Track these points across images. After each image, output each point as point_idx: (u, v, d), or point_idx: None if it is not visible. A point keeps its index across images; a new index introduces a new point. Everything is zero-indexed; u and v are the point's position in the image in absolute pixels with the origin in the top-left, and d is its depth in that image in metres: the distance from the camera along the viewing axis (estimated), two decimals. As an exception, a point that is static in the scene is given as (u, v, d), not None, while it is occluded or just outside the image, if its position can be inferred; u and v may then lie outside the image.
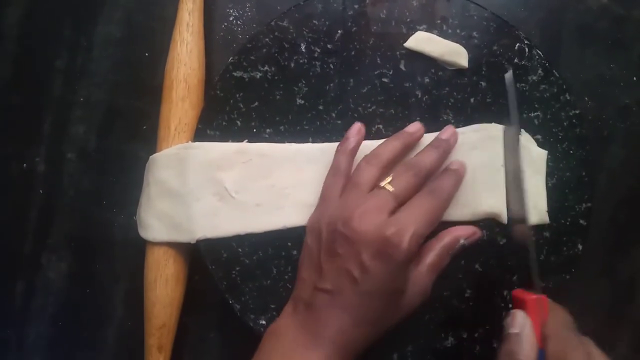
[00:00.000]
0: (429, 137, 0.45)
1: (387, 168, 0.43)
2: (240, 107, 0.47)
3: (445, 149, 0.44)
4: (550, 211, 0.45)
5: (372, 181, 0.41)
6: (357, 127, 0.44)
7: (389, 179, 0.41)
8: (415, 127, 0.45)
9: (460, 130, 0.45)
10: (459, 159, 0.45)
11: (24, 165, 0.51)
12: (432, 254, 0.41)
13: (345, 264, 0.38)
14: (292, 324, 0.40)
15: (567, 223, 0.45)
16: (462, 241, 0.42)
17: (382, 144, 0.44)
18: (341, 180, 0.43)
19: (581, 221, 0.45)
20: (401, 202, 0.40)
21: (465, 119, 0.46)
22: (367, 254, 0.38)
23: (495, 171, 0.45)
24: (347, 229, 0.39)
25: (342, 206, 0.41)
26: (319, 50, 0.47)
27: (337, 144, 0.45)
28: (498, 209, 0.45)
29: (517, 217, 0.43)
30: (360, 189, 0.41)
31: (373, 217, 0.39)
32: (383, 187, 0.41)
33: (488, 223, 0.45)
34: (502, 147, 0.45)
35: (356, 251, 0.38)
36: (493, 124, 0.45)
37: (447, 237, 0.42)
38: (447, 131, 0.45)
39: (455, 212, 0.44)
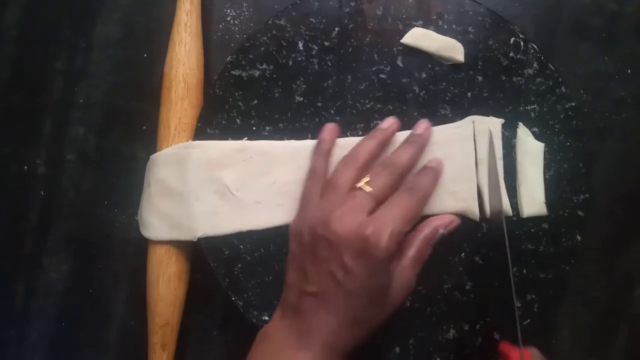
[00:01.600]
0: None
1: (364, 168, 0.43)
2: (240, 105, 0.47)
3: (421, 144, 0.44)
4: (548, 203, 0.46)
5: (350, 182, 0.42)
6: (329, 128, 0.45)
7: (366, 179, 0.41)
8: (388, 122, 0.45)
9: (455, 124, 0.46)
10: (455, 151, 0.45)
11: (25, 166, 0.51)
12: (414, 247, 0.42)
13: (329, 266, 0.39)
14: (280, 328, 0.41)
15: (565, 214, 0.46)
16: (441, 231, 0.43)
17: (358, 144, 0.44)
18: (319, 182, 0.43)
19: (579, 212, 0.46)
20: (379, 201, 0.41)
21: (463, 113, 0.46)
22: (348, 254, 0.38)
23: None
24: (327, 231, 0.39)
25: (321, 209, 0.41)
26: (316, 48, 0.47)
27: (337, 140, 0.45)
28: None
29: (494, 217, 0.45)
30: (338, 191, 0.41)
31: (352, 218, 0.39)
32: (360, 188, 0.41)
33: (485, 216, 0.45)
34: (499, 140, 0.46)
35: (338, 253, 0.38)
36: (490, 117, 0.46)
37: (427, 229, 0.43)
38: (421, 126, 0.45)
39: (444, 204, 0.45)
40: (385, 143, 0.45)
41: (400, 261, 0.41)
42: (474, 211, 0.45)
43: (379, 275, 0.39)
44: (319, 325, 0.39)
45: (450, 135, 0.46)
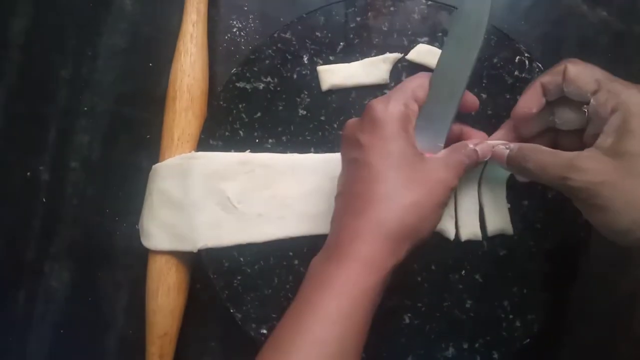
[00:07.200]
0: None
1: None
2: (243, 117, 0.47)
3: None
4: (551, 223, 0.45)
5: None
6: None
7: None
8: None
9: None
10: None
11: (28, 173, 0.52)
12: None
13: None
14: None
15: (567, 235, 0.45)
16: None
17: None
18: None
19: (581, 233, 0.45)
20: None
21: (466, 130, 0.46)
22: None
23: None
24: None
25: None
26: (321, 62, 0.47)
27: (339, 154, 0.45)
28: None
29: None
30: None
31: None
32: None
33: (488, 234, 0.45)
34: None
35: None
36: None
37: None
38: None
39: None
40: None
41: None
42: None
43: None
44: None
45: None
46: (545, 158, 0.37)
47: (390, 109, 0.37)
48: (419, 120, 0.39)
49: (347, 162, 0.39)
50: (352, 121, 0.39)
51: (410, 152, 0.37)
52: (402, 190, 0.36)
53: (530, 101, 0.39)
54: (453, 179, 0.38)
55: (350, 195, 0.38)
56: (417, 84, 0.39)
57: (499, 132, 0.42)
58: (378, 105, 0.38)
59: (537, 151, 0.38)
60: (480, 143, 0.40)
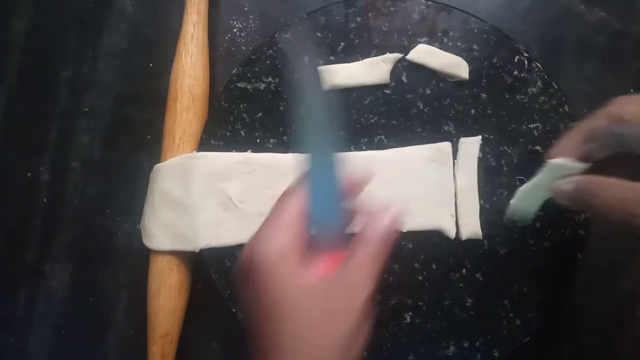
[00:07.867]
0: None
1: None
2: (244, 117, 0.47)
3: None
4: (550, 222, 0.46)
5: None
6: None
7: None
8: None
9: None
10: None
11: (29, 174, 0.52)
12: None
13: None
14: None
15: (567, 233, 0.46)
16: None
17: None
18: None
19: (580, 231, 0.46)
20: None
21: (466, 130, 0.46)
22: None
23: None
24: None
25: None
26: (322, 62, 0.48)
27: (340, 154, 0.45)
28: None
29: None
30: None
31: None
32: None
33: (488, 234, 0.45)
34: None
35: None
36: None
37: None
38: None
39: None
40: None
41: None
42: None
43: None
44: None
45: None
46: (616, 193, 0.32)
47: (267, 249, 0.31)
48: (312, 227, 0.33)
49: (244, 305, 0.34)
50: (237, 269, 0.33)
51: (298, 289, 0.31)
52: (306, 335, 0.30)
53: (566, 150, 0.36)
54: (363, 289, 0.31)
55: (255, 337, 0.33)
56: (293, 210, 0.32)
57: (566, 145, 0.37)
58: (253, 247, 0.32)
59: (606, 186, 0.33)
60: (373, 220, 0.32)
